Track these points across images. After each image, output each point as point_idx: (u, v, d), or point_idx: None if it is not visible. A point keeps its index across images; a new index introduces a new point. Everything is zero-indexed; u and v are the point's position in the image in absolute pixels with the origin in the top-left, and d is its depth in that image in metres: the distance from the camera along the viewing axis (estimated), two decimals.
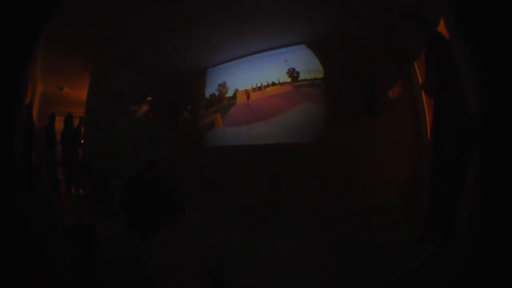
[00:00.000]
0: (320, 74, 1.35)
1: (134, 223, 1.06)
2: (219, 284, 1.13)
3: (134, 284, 1.05)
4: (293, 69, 1.39)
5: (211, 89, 1.38)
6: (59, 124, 1.51)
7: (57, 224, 1.44)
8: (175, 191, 1.10)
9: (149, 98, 1.34)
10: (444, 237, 1.42)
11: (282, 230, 1.39)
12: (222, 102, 1.43)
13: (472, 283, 1.47)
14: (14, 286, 1.59)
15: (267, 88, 1.31)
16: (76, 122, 1.46)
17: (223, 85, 1.46)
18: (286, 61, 1.41)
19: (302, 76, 1.36)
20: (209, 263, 1.05)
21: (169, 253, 1.05)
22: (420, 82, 1.31)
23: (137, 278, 1.05)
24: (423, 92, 1.32)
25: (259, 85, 1.33)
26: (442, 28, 1.41)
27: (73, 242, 1.33)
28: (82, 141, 1.44)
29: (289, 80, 1.35)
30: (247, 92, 1.33)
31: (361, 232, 1.39)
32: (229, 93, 1.38)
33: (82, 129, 1.42)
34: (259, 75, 1.32)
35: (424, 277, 1.37)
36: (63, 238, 1.39)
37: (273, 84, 1.34)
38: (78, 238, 1.30)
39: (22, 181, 1.68)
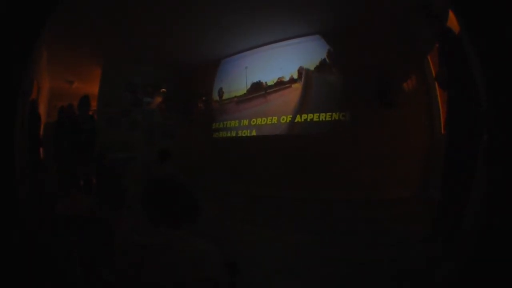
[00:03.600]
0: (333, 67, 1.35)
1: (156, 220, 1.06)
2: (234, 275, 1.13)
3: (147, 275, 1.04)
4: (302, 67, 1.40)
5: (225, 80, 1.38)
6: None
7: (67, 217, 1.43)
8: (193, 193, 1.10)
9: (163, 89, 1.34)
10: (452, 233, 1.42)
11: (293, 223, 1.39)
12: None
13: (479, 278, 1.46)
14: (23, 281, 1.57)
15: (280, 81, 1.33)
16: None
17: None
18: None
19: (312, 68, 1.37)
20: (224, 254, 1.04)
21: (184, 243, 1.05)
22: (434, 75, 1.31)
23: (150, 268, 1.04)
24: (437, 86, 1.32)
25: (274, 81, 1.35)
26: (453, 22, 1.41)
27: (85, 235, 1.32)
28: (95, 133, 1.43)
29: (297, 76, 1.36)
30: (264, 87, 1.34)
31: (372, 226, 1.40)
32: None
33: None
34: (273, 68, 1.33)
35: (432, 272, 1.37)
36: (74, 231, 1.38)
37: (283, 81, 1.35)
38: (90, 231, 1.30)
39: (28, 176, 1.67)
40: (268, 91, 1.37)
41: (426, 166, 1.42)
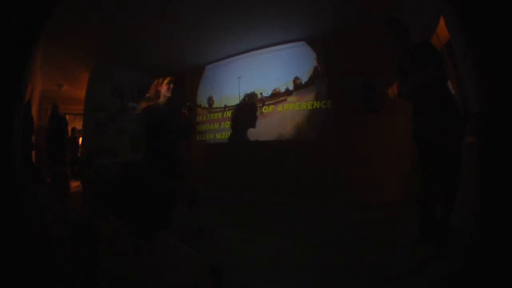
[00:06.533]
0: (319, 73, 1.36)
1: (134, 223, 1.06)
2: (218, 282, 1.13)
3: (135, 280, 1.05)
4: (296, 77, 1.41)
5: (210, 86, 1.39)
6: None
7: (57, 221, 1.44)
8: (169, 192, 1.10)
9: (148, 95, 1.34)
10: (440, 237, 1.42)
11: (280, 228, 1.39)
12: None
13: (469, 282, 1.46)
14: (16, 284, 1.58)
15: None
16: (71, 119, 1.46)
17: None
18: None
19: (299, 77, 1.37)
20: (209, 260, 1.05)
21: (170, 250, 1.05)
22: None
23: (137, 274, 1.05)
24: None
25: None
26: (442, 28, 1.40)
27: (74, 239, 1.33)
28: (81, 138, 1.44)
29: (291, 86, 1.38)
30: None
31: (361, 230, 1.40)
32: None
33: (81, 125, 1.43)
34: (260, 74, 1.33)
35: (421, 275, 1.37)
36: (64, 235, 1.39)
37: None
38: (79, 235, 1.30)
39: (22, 179, 1.68)
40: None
41: (413, 170, 1.42)
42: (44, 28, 1.64)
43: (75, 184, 1.50)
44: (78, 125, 1.50)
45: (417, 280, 1.35)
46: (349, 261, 1.35)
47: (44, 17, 1.61)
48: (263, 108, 1.36)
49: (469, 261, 1.41)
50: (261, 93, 1.35)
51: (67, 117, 1.52)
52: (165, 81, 1.44)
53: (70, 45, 1.58)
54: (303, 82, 1.38)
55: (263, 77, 1.37)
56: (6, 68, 1.72)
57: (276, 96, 1.36)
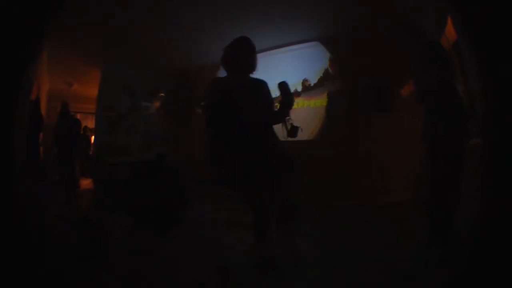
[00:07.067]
0: (329, 74, 1.37)
1: (143, 220, 1.07)
2: (225, 280, 1.13)
3: (140, 278, 1.05)
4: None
5: None
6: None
7: (64, 219, 1.44)
8: (181, 189, 1.10)
9: (162, 94, 1.34)
10: (446, 237, 1.43)
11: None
12: None
13: (469, 282, 1.47)
14: (20, 283, 1.57)
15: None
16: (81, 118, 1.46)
17: None
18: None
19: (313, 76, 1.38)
20: (216, 258, 1.05)
21: (178, 248, 1.06)
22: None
23: (144, 272, 1.05)
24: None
25: None
26: (450, 29, 1.41)
27: (82, 237, 1.33)
28: (93, 136, 1.44)
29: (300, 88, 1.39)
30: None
31: (370, 230, 1.40)
32: None
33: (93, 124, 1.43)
34: (269, 75, 1.34)
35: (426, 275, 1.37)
36: (71, 233, 1.39)
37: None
38: (85, 232, 1.30)
39: (28, 177, 1.67)
40: None
41: (420, 170, 1.43)
42: (50, 25, 1.63)
43: (85, 182, 1.50)
44: (90, 123, 1.50)
45: (418, 280, 1.36)
46: (352, 261, 1.35)
47: (50, 14, 1.61)
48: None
49: (469, 261, 1.42)
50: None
51: (78, 115, 1.52)
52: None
53: (78, 44, 1.58)
54: (312, 84, 1.39)
55: (272, 78, 1.38)
56: (8, 68, 1.71)
57: None
